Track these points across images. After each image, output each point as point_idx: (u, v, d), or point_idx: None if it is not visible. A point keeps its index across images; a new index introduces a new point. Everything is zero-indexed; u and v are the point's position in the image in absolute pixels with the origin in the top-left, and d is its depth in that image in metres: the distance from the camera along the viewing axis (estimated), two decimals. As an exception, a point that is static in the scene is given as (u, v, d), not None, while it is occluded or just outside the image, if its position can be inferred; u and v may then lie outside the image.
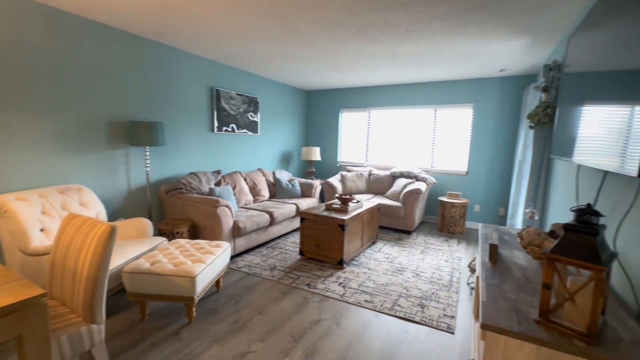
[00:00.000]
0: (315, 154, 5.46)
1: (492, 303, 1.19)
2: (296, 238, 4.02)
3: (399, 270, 3.06)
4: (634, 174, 1.02)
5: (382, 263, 3.24)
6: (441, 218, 4.58)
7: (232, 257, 3.30)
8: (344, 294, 2.57)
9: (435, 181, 4.78)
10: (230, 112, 4.31)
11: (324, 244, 3.13)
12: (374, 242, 3.92)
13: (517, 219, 3.91)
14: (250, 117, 4.69)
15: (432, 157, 5.09)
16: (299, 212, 3.27)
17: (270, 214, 3.67)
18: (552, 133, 2.52)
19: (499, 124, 4.56)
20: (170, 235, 3.00)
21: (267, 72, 4.68)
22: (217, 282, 2.53)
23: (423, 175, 4.72)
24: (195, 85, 3.81)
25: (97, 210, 2.55)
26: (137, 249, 2.33)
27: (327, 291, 2.60)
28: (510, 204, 3.96)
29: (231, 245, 3.17)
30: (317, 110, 6.07)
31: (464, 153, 4.87)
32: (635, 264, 1.23)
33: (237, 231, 3.17)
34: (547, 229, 2.66)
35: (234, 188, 3.92)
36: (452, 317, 2.26)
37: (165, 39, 3.23)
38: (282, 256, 3.37)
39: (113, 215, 3.03)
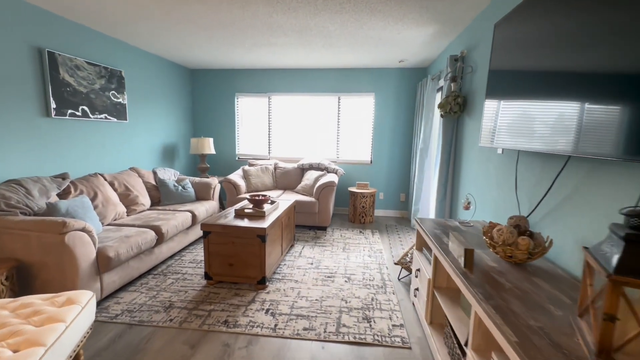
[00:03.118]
0: (208, 146, 4.53)
1: (528, 344, 0.89)
2: (196, 255, 3.15)
3: (329, 277, 2.70)
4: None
5: (307, 271, 2.82)
6: (352, 209, 4.50)
7: (101, 302, 2.25)
8: (276, 325, 2.02)
9: (344, 172, 4.65)
10: (79, 88, 2.98)
11: (239, 261, 2.47)
12: (292, 246, 3.46)
13: (421, 205, 4.15)
14: (114, 98, 3.41)
15: (338, 147, 4.95)
16: (202, 225, 2.47)
17: (157, 229, 2.71)
18: (464, 122, 2.60)
19: (397, 113, 4.75)
20: (-30, 292, 1.76)
21: (137, 39, 3.47)
22: (77, 357, 1.57)
23: (333, 166, 4.51)
24: (6, 42, 2.40)
25: None
26: None
27: (253, 326, 2.00)
28: (414, 190, 4.17)
29: (97, 288, 2.13)
30: (207, 94, 5.07)
31: (367, 142, 4.90)
32: None
33: (105, 263, 2.15)
34: (463, 215, 2.78)
35: (93, 198, 2.73)
36: (401, 326, 2.03)
37: None
38: (179, 285, 2.52)
39: None
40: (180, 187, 3.63)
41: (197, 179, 3.93)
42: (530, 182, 1.78)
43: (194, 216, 3.28)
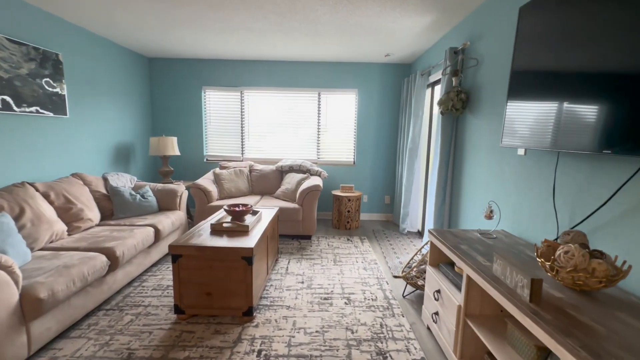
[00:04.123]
0: (172, 146, 3.93)
1: None
2: (161, 278, 2.61)
3: (326, 300, 2.33)
4: None
5: (299, 293, 2.42)
6: (336, 214, 4.16)
7: (31, 357, 1.66)
8: (273, 374, 1.60)
9: (327, 174, 4.29)
10: (-4, 72, 2.30)
11: (219, 289, 2.00)
12: (276, 260, 3.03)
13: (411, 208, 3.92)
14: (48, 87, 2.73)
15: (319, 147, 4.58)
16: (170, 248, 1.96)
17: (109, 252, 2.15)
18: (466, 120, 2.35)
19: (381, 111, 4.49)
20: None
21: (79, 16, 2.82)
22: None
23: (316, 168, 4.13)
24: None
25: None
26: None
27: (243, 378, 1.56)
28: (402, 192, 3.93)
29: (21, 342, 1.56)
30: (169, 87, 4.43)
31: (350, 142, 4.59)
32: None
33: (33, 308, 1.58)
34: (468, 222, 2.55)
35: (19, 216, 2.09)
36: (423, 360, 1.72)
37: None
38: (141, 323, 1.99)
39: None
40: (138, 196, 3.03)
41: (159, 185, 3.34)
42: (571, 189, 1.54)
43: (157, 231, 2.72)
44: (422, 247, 2.65)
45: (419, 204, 4.01)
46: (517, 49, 1.73)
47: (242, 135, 4.55)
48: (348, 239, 3.74)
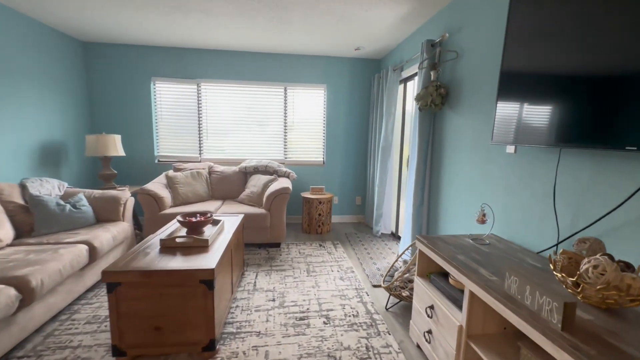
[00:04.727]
0: (114, 146, 3.36)
1: None
2: (98, 307, 2.13)
3: (302, 320, 2.03)
4: None
5: (271, 314, 2.10)
6: (307, 217, 3.88)
7: None
8: None
9: (296, 175, 3.99)
10: None
11: (171, 322, 1.61)
12: (242, 274, 2.67)
13: (384, 209, 3.76)
14: None
15: (286, 146, 4.26)
16: (104, 274, 1.54)
17: (20, 282, 1.65)
18: (445, 117, 2.17)
19: (351, 108, 4.28)
20: None
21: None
22: None
23: (284, 169, 3.81)
24: None
25: None
26: None
27: None
28: (375, 193, 3.76)
29: None
30: (110, 77, 3.82)
31: (319, 141, 4.33)
32: None
33: None
34: (448, 223, 2.41)
35: None
36: (419, 388, 1.50)
37: None
38: (66, 373, 1.54)
39: None
40: (68, 206, 2.49)
41: (97, 192, 2.80)
42: (573, 190, 1.41)
43: (92, 249, 2.23)
44: (403, 252, 2.46)
45: (393, 204, 3.87)
46: (508, 38, 1.58)
47: (199, 133, 4.08)
48: (320, 245, 3.47)
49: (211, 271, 1.57)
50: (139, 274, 1.54)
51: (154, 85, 3.93)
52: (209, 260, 1.68)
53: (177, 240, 1.88)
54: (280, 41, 3.54)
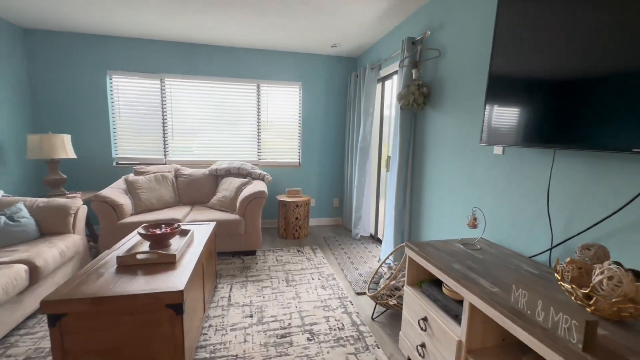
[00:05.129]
0: (63, 147, 2.96)
1: None
2: (42, 339, 1.81)
3: (284, 337, 1.86)
4: None
5: (249, 332, 1.90)
6: (283, 222, 3.69)
7: None
8: None
9: (271, 178, 3.79)
10: None
11: (131, 355, 1.37)
12: (215, 288, 2.43)
13: (363, 212, 3.67)
14: None
15: (259, 147, 4.04)
16: (44, 305, 1.26)
17: None
18: (428, 116, 2.07)
19: (327, 108, 4.15)
20: None
21: None
22: None
23: (258, 171, 3.59)
24: None
25: None
26: None
27: None
28: (354, 194, 3.66)
29: None
30: (56, 69, 3.38)
31: (295, 141, 4.16)
32: None
33: None
34: (432, 226, 2.35)
35: None
36: (415, 409, 1.39)
37: None
38: None
39: None
40: (3, 219, 2.11)
41: (41, 201, 2.43)
42: (569, 192, 1.37)
43: (33, 269, 1.89)
44: (387, 258, 2.37)
45: (372, 206, 3.79)
46: (496, 41, 1.52)
47: (164, 133, 3.74)
48: (299, 250, 3.30)
49: (179, 293, 1.36)
50: (89, 302, 1.29)
51: (111, 79, 3.54)
52: (177, 279, 1.46)
53: (139, 256, 1.63)
54: (252, 35, 3.32)
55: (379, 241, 3.60)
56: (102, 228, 2.73)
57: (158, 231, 1.80)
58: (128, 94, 3.60)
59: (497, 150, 1.76)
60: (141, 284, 1.40)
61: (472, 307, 1.23)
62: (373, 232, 3.80)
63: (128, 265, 1.60)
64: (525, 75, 1.40)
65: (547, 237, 1.47)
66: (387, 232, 2.80)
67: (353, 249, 3.40)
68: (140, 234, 1.75)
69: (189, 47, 3.63)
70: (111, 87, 3.55)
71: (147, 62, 3.56)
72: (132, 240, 1.93)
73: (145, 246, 1.83)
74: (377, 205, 3.74)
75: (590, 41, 1.13)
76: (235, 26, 3.07)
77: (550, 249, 1.43)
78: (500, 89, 1.54)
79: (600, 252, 1.08)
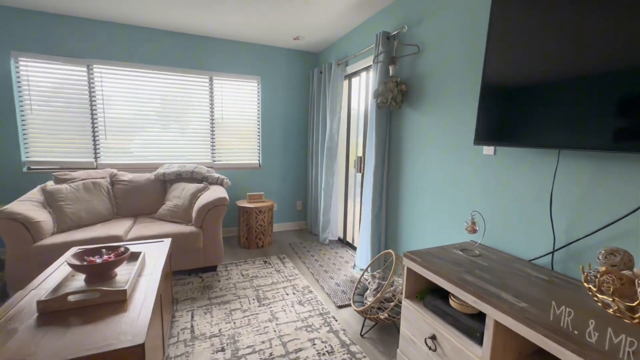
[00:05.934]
0: (-52, 149, 2.22)
1: None
2: None
3: (268, 373, 1.58)
4: None
5: (223, 371, 1.58)
6: (245, 230, 3.34)
7: None
8: None
9: (230, 182, 3.39)
10: None
11: None
12: (172, 318, 2.02)
13: (331, 215, 3.50)
14: None
15: (213, 146, 3.61)
16: None
17: None
18: (405, 115, 1.96)
19: (289, 105, 3.89)
20: None
21: None
22: None
23: (215, 174, 3.17)
24: None
25: None
26: None
27: None
28: (321, 197, 3.46)
29: None
30: None
31: (254, 140, 3.81)
32: None
33: None
34: (412, 230, 2.25)
35: None
36: None
37: None
38: None
39: None
40: None
41: None
42: (572, 195, 1.34)
43: None
44: (368, 266, 2.21)
45: (340, 209, 3.63)
46: (490, 41, 1.45)
47: (94, 132, 3.10)
48: (265, 262, 2.99)
49: (139, 349, 1.00)
50: (-5, 381, 0.87)
51: (16, 63, 2.80)
52: (131, 326, 1.09)
53: (71, 298, 1.20)
54: (204, 19, 2.90)
55: (349, 245, 3.46)
56: (9, 255, 2.10)
57: (98, 259, 1.38)
58: (43, 83, 2.88)
59: (488, 150, 1.71)
60: (79, 339, 1.01)
61: (497, 325, 1.11)
62: (342, 236, 3.65)
63: (55, 312, 1.16)
64: (525, 75, 1.34)
65: (545, 240, 1.44)
66: (363, 237, 2.66)
67: (323, 255, 3.20)
68: (71, 265, 1.31)
69: (125, 29, 3.06)
70: (18, 72, 2.81)
71: (67, 44, 2.89)
72: (58, 273, 1.45)
73: (80, 280, 1.39)
74: (345, 207, 3.59)
75: (597, 39, 1.08)
76: (187, 8, 2.63)
77: (553, 252, 1.39)
78: (496, 88, 1.47)
79: (627, 259, 1.03)
